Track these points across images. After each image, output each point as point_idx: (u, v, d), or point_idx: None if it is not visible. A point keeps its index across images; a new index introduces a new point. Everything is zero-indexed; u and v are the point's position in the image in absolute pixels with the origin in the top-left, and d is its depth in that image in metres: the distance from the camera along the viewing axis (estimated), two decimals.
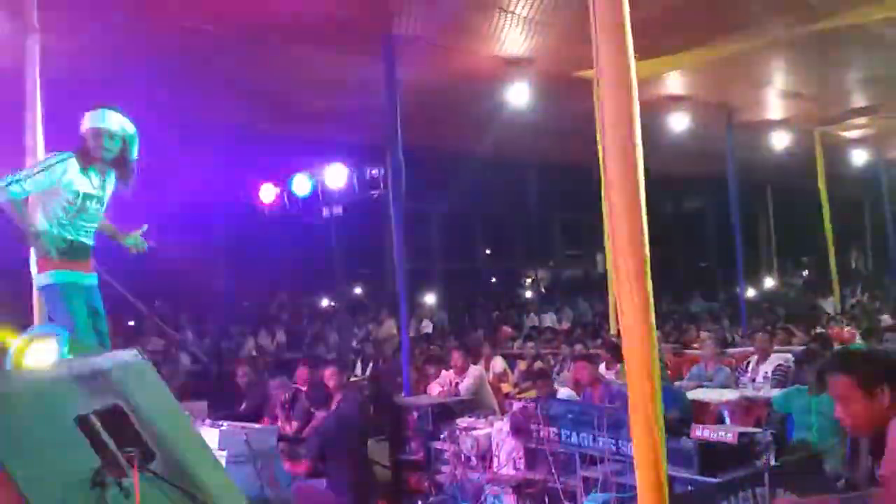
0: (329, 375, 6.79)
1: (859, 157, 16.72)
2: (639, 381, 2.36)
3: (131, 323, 12.32)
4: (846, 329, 10.41)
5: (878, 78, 11.51)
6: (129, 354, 2.41)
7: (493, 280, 23.04)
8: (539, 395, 6.72)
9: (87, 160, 4.25)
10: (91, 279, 4.40)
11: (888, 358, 3.00)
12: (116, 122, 4.30)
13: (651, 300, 2.44)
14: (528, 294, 20.23)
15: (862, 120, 14.27)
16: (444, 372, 7.99)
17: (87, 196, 4.28)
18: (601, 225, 6.94)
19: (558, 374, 8.82)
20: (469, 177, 16.61)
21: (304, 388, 7.13)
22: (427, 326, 13.89)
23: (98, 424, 2.01)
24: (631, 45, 2.64)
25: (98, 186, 4.35)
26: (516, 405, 5.80)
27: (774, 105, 13.21)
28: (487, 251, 23.29)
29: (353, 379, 8.78)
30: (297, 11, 7.92)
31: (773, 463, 4.71)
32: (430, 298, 17.33)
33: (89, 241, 4.38)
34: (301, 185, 8.84)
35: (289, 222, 10.26)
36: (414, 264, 11.29)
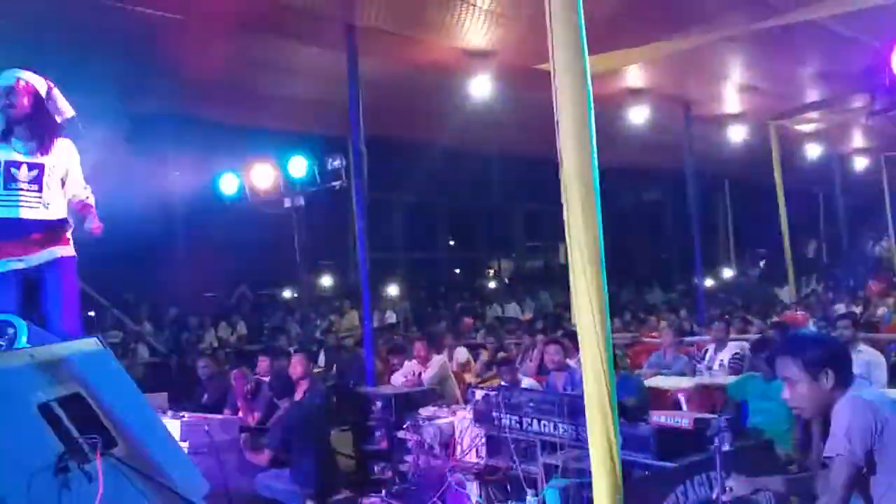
0: (296, 362, 6.78)
1: (813, 151, 17.10)
2: (592, 369, 2.42)
3: (91, 314, 12.15)
4: (799, 312, 10.70)
5: (829, 73, 11.79)
6: (89, 343, 2.39)
7: (457, 271, 23.11)
8: (502, 383, 6.80)
9: None
10: (28, 262, 3.92)
11: (833, 343, 3.12)
12: (12, 75, 3.96)
13: (604, 290, 2.50)
14: (492, 285, 20.34)
15: (815, 114, 14.59)
16: (407, 362, 8.03)
17: (11, 164, 3.92)
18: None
19: (520, 363, 8.91)
20: (433, 168, 16.62)
21: (265, 379, 7.12)
22: (391, 317, 13.92)
23: (60, 412, 2.01)
24: (584, 40, 2.69)
25: (28, 151, 3.97)
26: (479, 394, 5.86)
27: (731, 99, 13.46)
28: (451, 242, 23.34)
29: (315, 370, 8.77)
30: (259, 1, 7.86)
31: (727, 448, 4.83)
32: (393, 289, 17.35)
33: (29, 215, 3.93)
34: (262, 175, 8.78)
35: (250, 213, 10.19)
36: (377, 255, 11.29)
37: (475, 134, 13.42)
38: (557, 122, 2.60)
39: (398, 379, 7.87)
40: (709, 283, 18.20)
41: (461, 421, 5.91)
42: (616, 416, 2.38)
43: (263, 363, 7.62)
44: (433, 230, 22.31)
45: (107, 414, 2.14)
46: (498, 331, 11.23)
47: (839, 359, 2.89)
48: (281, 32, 8.83)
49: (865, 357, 6.33)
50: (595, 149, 2.59)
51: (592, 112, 2.56)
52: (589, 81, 2.53)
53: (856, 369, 6.08)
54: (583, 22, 2.67)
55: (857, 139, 17.91)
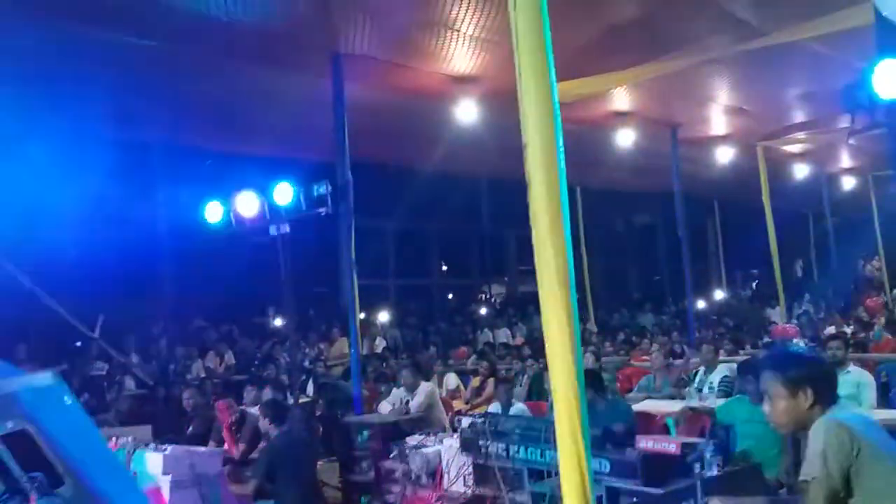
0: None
1: (801, 171, 17.19)
2: (563, 398, 2.37)
3: (78, 344, 12.06)
4: (789, 326, 10.69)
5: (814, 94, 11.87)
6: (43, 377, 2.34)
7: (449, 296, 23.05)
8: (489, 409, 6.73)
9: None
10: None
11: (816, 361, 3.11)
12: None
13: (575, 314, 2.47)
14: (483, 310, 20.29)
15: (801, 135, 14.67)
16: (394, 390, 7.95)
17: None
18: None
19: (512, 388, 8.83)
20: (423, 193, 16.64)
21: (252, 410, 7.04)
22: (381, 344, 13.83)
23: (4, 449, 1.95)
24: (552, 63, 2.68)
25: None
26: (465, 421, 5.79)
27: (718, 121, 13.52)
28: (443, 268, 23.31)
29: (303, 399, 8.69)
30: (244, 29, 7.88)
31: (715, 473, 4.79)
32: (384, 316, 17.26)
33: None
34: (247, 203, 8.75)
35: (238, 242, 10.15)
36: (368, 281, 11.25)
37: (465, 159, 13.46)
38: (525, 146, 2.59)
39: (385, 407, 7.79)
40: (700, 304, 18.19)
41: (448, 449, 5.82)
42: (588, 446, 2.33)
43: (250, 393, 7.54)
44: (424, 256, 22.27)
45: (55, 451, 2.08)
46: (489, 356, 11.16)
47: (820, 378, 2.88)
48: (266, 60, 8.85)
49: (855, 378, 6.29)
50: (563, 172, 2.58)
51: (561, 135, 2.54)
52: (555, 104, 2.52)
53: (845, 390, 6.08)
54: (550, 45, 2.66)
55: (845, 159, 18.01)
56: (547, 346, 2.40)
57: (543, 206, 2.61)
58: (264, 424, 6.33)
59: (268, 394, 7.39)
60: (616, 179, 16.66)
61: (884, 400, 6.56)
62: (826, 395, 2.84)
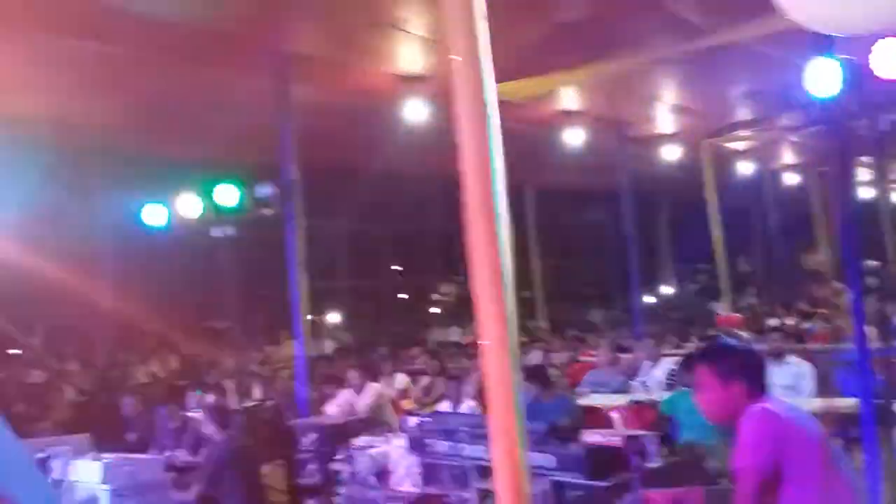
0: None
1: (746, 168, 17.56)
2: (498, 394, 2.36)
3: (18, 352, 11.74)
4: (734, 315, 10.93)
5: (758, 92, 12.13)
6: None
7: (400, 297, 22.97)
8: (439, 408, 6.72)
9: None
10: None
11: (747, 352, 3.17)
12: None
13: (512, 309, 2.46)
14: (435, 310, 20.26)
15: (747, 132, 15.00)
16: (342, 391, 7.88)
17: None
18: None
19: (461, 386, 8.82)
20: (373, 194, 16.54)
21: (195, 415, 6.91)
22: (330, 346, 13.71)
23: None
24: (487, 60, 2.65)
25: None
26: (413, 420, 5.77)
27: (664, 119, 13.74)
28: (394, 268, 23.21)
29: (250, 403, 8.56)
30: (186, 29, 7.74)
31: (659, 464, 4.86)
32: (334, 317, 17.13)
33: None
34: (189, 205, 8.61)
35: (182, 244, 9.96)
36: (318, 283, 11.12)
37: (416, 158, 13.42)
38: (460, 145, 2.57)
39: (332, 409, 7.71)
40: (649, 300, 18.46)
41: (396, 449, 5.79)
42: (523, 441, 2.33)
43: (193, 398, 7.40)
44: (376, 256, 22.14)
45: None
46: (439, 355, 11.14)
47: (751, 368, 2.93)
48: (211, 60, 8.70)
49: (794, 368, 6.44)
50: (496, 171, 2.57)
51: (494, 134, 2.53)
52: (490, 103, 2.51)
53: (785, 380, 6.22)
54: (486, 44, 2.64)
55: (788, 156, 18.45)
56: (481, 343, 2.39)
57: (476, 206, 2.60)
58: (208, 429, 6.22)
59: (211, 399, 7.26)
60: (567, 179, 16.80)
61: (823, 389, 6.71)
62: (757, 386, 2.89)
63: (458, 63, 2.58)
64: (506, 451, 2.36)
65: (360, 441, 6.15)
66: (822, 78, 5.88)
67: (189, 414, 7.04)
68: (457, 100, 2.58)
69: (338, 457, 6.16)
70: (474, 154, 2.61)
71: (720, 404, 2.86)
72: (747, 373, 2.89)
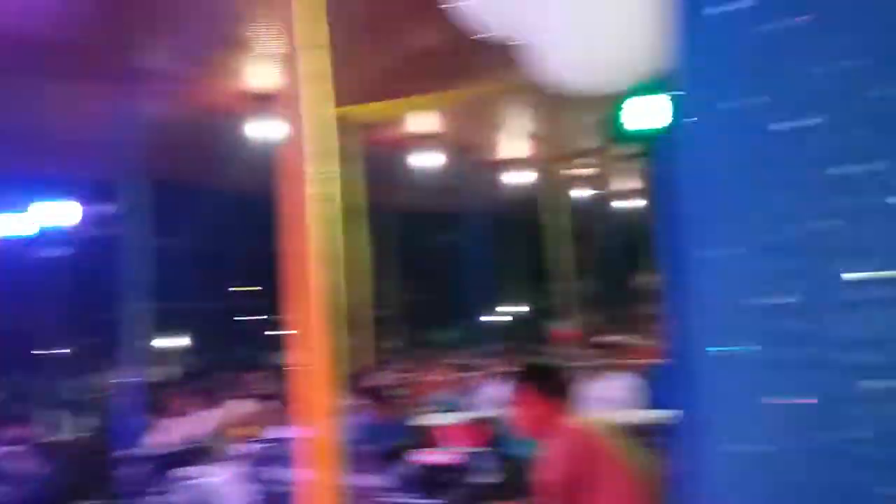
0: None
1: (587, 193, 18.61)
2: (312, 413, 2.45)
3: None
4: (568, 330, 11.49)
5: (599, 122, 12.89)
6: None
7: (246, 319, 22.34)
8: (289, 424, 6.60)
9: None
10: None
11: (556, 369, 3.43)
12: None
13: (328, 331, 2.56)
14: (279, 332, 19.79)
15: (588, 159, 15.91)
16: (173, 419, 7.55)
17: None
18: None
19: None
20: (225, 213, 16.14)
21: (14, 448, 6.43)
22: (167, 372, 13.15)
23: None
24: (329, 89, 2.76)
25: None
26: (241, 447, 5.67)
27: (513, 145, 14.40)
28: (242, 288, 22.59)
29: (70, 437, 8.03)
30: (30, 42, 7.35)
31: (494, 480, 5.07)
32: (175, 341, 16.44)
33: None
34: (18, 224, 8.10)
35: (12, 265, 9.31)
36: (160, 305, 10.66)
37: (264, 176, 13.25)
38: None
39: (161, 438, 7.38)
40: (494, 319, 19.05)
41: (225, 478, 5.66)
42: (340, 464, 2.42)
43: (13, 430, 6.86)
44: (223, 277, 21.46)
45: None
46: (281, 378, 10.92)
47: (561, 385, 3.16)
48: (55, 73, 8.30)
49: (618, 382, 6.88)
50: (334, 195, 2.67)
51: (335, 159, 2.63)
52: (330, 129, 2.62)
53: (609, 393, 6.64)
54: (326, 68, 2.75)
55: (627, 182, 19.67)
56: (292, 366, 2.47)
57: (293, 224, 2.71)
58: (27, 465, 5.82)
59: (29, 432, 6.73)
60: (425, 201, 17.21)
61: (645, 402, 7.19)
62: (567, 402, 3.12)
63: (298, 85, 2.69)
64: (323, 473, 2.44)
65: (187, 471, 5.92)
66: (647, 113, 6.33)
67: (7, 449, 6.53)
68: (293, 119, 2.67)
69: (159, 489, 5.91)
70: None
71: (530, 420, 3.05)
72: (557, 389, 3.10)
